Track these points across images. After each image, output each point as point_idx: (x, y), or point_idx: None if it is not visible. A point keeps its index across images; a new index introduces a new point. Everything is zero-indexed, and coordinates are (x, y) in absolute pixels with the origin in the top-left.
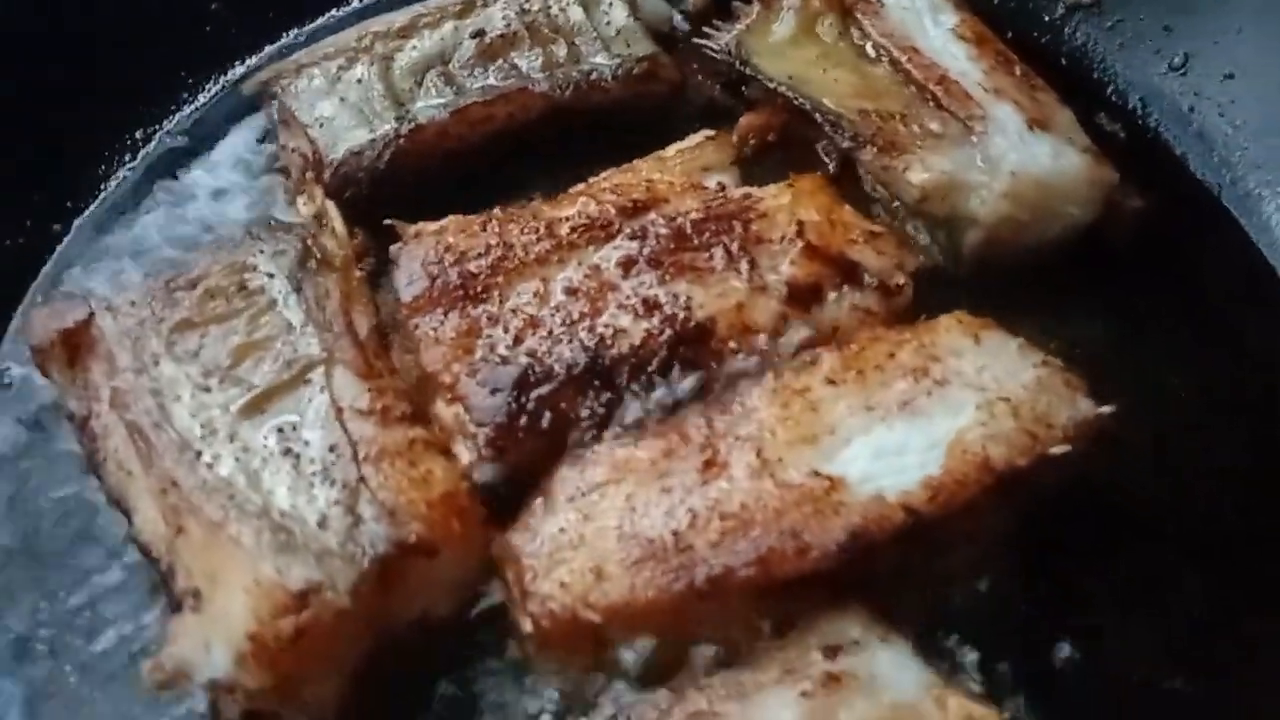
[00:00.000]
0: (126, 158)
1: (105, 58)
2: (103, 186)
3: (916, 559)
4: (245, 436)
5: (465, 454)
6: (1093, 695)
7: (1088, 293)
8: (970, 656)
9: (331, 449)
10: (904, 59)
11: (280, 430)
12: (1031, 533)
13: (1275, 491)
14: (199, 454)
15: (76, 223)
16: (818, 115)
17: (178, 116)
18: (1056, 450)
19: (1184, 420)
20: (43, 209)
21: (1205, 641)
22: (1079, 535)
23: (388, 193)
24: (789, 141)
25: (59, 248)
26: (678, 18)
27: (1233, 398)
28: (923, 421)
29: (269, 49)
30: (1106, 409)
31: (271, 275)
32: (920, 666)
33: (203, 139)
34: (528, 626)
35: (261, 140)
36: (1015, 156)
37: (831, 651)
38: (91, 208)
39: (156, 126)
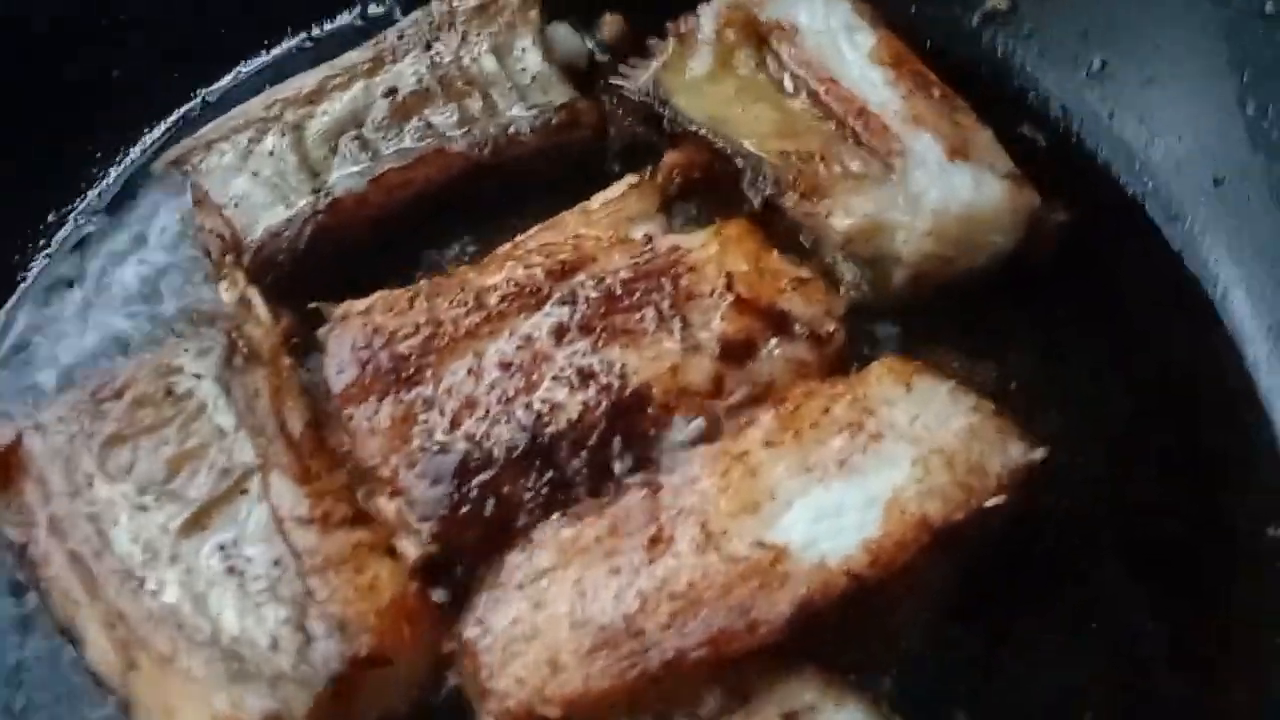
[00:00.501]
0: (40, 243)
1: (5, 138)
2: (20, 277)
3: (862, 618)
4: (188, 558)
5: (410, 550)
6: None
7: (1015, 312)
8: (921, 708)
9: (276, 563)
10: (822, 90)
11: (222, 548)
12: (974, 575)
13: (1209, 496)
14: (142, 582)
15: None
16: (738, 160)
17: (89, 196)
18: (991, 503)
19: (1116, 435)
20: None
21: (1161, 653)
22: (1022, 566)
23: (310, 269)
24: (713, 178)
25: None
26: (594, 50)
27: (1161, 406)
28: (859, 480)
29: (176, 113)
30: (1039, 454)
31: (199, 376)
32: None
33: (116, 220)
34: None
35: (178, 219)
36: (936, 193)
37: (789, 718)
38: (9, 305)
39: (69, 207)
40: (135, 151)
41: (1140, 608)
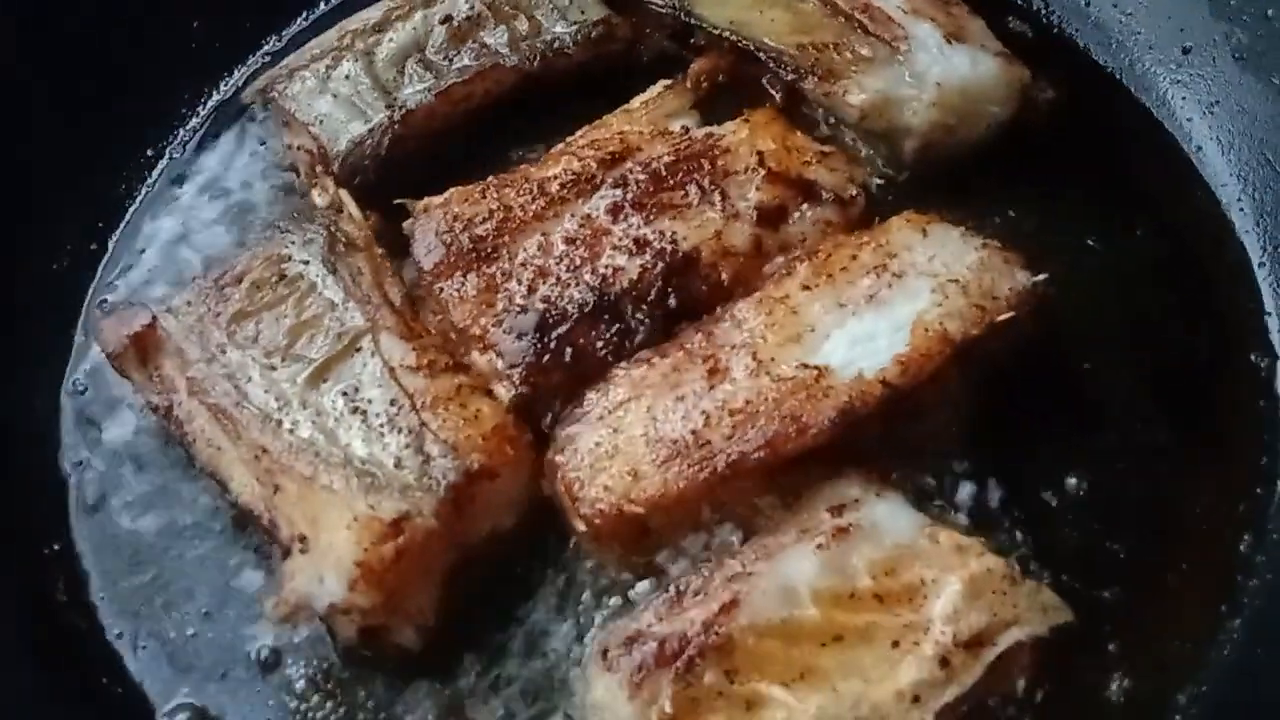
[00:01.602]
0: (144, 174)
1: (103, 84)
2: (126, 204)
3: (896, 426)
4: (315, 402)
5: (504, 392)
6: (1062, 519)
7: (1016, 179)
8: (953, 499)
9: (392, 403)
10: None
11: (344, 393)
12: (992, 391)
13: (1188, 330)
14: (279, 422)
15: (111, 241)
16: (761, 55)
17: (181, 131)
18: (1002, 318)
19: (1106, 279)
20: (78, 233)
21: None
22: (1032, 387)
23: (390, 174)
24: (737, 79)
25: (100, 266)
26: None
27: (1149, 255)
28: (887, 310)
29: (251, 59)
30: (1041, 277)
31: (306, 262)
32: (912, 512)
33: (208, 148)
34: (581, 526)
35: (263, 143)
36: (938, 69)
37: (837, 510)
38: (122, 225)
39: (164, 142)
40: (217, 93)
41: (1138, 421)
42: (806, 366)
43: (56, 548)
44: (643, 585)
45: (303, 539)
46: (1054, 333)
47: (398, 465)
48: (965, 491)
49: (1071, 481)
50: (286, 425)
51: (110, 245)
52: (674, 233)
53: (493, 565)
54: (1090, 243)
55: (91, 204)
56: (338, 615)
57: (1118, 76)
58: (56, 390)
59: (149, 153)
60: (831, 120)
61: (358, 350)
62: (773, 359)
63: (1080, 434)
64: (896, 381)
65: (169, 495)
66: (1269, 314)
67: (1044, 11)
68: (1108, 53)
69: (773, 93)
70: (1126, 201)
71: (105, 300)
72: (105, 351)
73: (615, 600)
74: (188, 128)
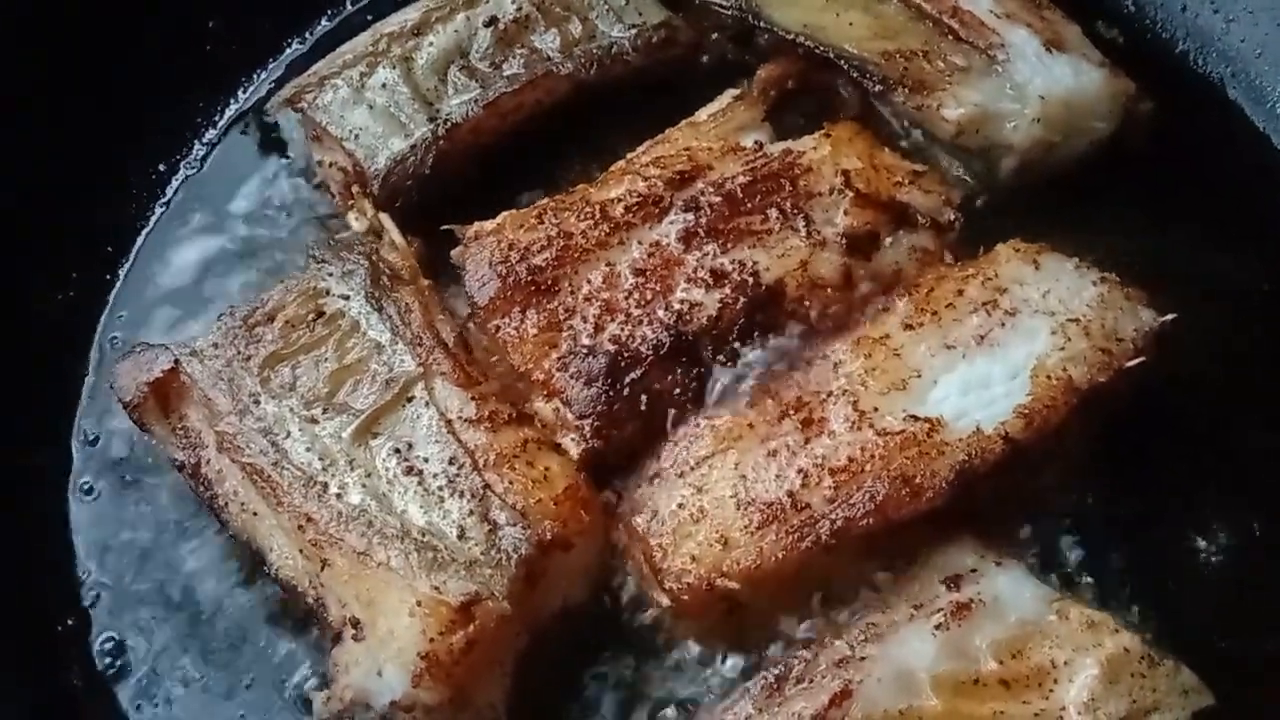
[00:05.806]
0: (156, 193)
1: (115, 96)
2: (138, 225)
3: (1011, 482)
4: (365, 462)
5: (573, 446)
6: (1196, 584)
7: (1114, 201)
8: (1076, 565)
9: (451, 462)
10: None
11: (397, 450)
12: (1111, 439)
13: None
14: (325, 486)
15: (122, 271)
16: (842, 62)
17: (197, 145)
18: (1131, 363)
19: (1222, 309)
20: (85, 260)
21: None
22: (1155, 433)
23: (433, 196)
24: (808, 87)
25: (111, 296)
26: None
27: (1264, 281)
28: (1001, 352)
29: (273, 63)
30: (1169, 317)
31: (347, 297)
32: (1036, 583)
33: (228, 164)
34: (665, 601)
35: (289, 158)
36: (1040, 80)
37: (953, 582)
38: (134, 251)
39: (178, 156)
40: (235, 101)
41: (1270, 459)
42: (915, 418)
43: (70, 623)
44: (733, 666)
45: (356, 623)
46: (1172, 370)
47: (461, 536)
48: (1085, 554)
49: (1203, 542)
50: (333, 489)
51: (121, 273)
52: (755, 262)
53: (563, 644)
54: (1202, 270)
55: (99, 227)
56: (399, 712)
57: (1220, 86)
58: (65, 439)
59: (161, 168)
60: (915, 134)
61: (410, 400)
62: (876, 409)
63: (1209, 486)
64: (1019, 436)
65: (195, 559)
66: None
67: (1135, 16)
68: (1209, 60)
69: (847, 99)
70: (1236, 223)
71: (116, 337)
72: (121, 400)
73: (703, 683)
74: (204, 140)
